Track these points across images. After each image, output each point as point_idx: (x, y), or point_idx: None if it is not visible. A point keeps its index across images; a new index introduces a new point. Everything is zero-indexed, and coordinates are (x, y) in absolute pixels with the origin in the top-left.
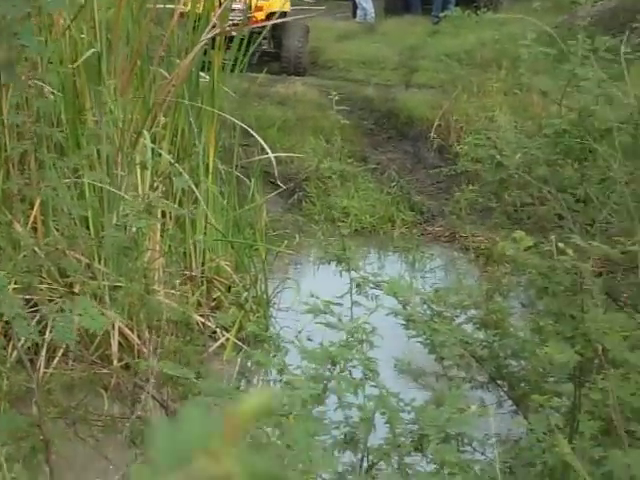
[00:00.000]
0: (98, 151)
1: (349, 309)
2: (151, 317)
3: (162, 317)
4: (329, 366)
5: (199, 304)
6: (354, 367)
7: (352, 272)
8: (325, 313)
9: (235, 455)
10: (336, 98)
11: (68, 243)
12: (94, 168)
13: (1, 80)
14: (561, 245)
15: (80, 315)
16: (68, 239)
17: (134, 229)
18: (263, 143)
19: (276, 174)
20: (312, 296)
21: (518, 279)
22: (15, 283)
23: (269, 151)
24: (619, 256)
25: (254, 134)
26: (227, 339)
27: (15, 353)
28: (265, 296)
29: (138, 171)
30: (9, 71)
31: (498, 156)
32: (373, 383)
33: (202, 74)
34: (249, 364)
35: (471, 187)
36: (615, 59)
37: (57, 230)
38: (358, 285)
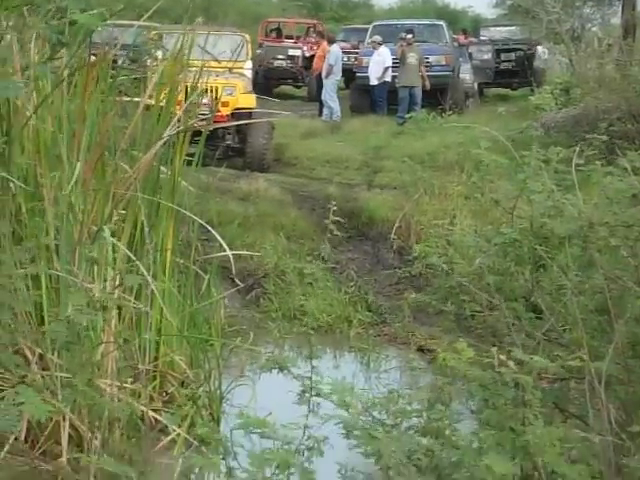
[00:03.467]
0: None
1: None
2: (98, 412)
3: (109, 412)
4: (273, 471)
5: (152, 398)
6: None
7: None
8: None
9: None
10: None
11: (15, 336)
12: (51, 259)
13: None
14: (502, 357)
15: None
16: (13, 332)
17: (83, 323)
18: (222, 241)
19: (234, 271)
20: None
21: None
22: None
23: (227, 249)
24: (558, 370)
25: (212, 231)
26: (178, 434)
27: None
28: (219, 392)
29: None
30: None
31: (445, 265)
32: None
33: (162, 168)
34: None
35: (422, 292)
36: (569, 170)
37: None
38: (301, 393)
